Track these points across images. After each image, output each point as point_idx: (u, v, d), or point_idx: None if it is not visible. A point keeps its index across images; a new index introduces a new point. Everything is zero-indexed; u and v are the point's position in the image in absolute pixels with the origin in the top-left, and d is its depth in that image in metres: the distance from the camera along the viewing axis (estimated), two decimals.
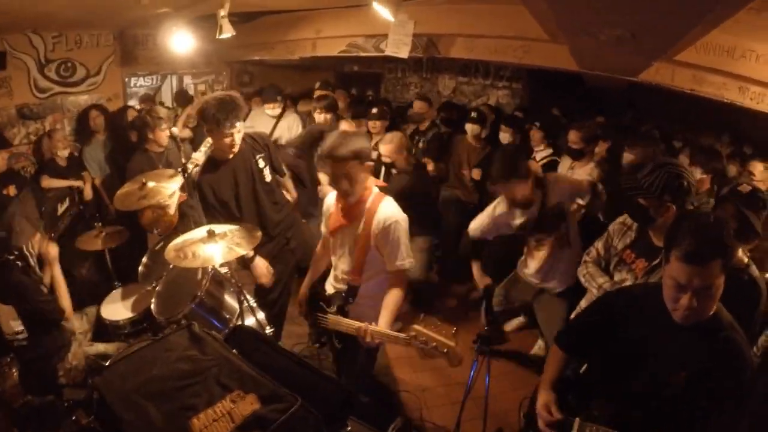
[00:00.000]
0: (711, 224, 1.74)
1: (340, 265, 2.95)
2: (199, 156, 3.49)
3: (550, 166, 4.71)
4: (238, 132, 3.30)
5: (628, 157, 3.89)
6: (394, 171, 4.35)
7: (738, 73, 3.66)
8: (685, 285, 1.67)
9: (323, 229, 3.09)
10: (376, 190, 2.81)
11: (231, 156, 3.40)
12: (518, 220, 3.47)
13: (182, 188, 3.75)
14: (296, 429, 1.51)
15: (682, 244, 1.66)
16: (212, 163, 3.41)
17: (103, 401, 1.64)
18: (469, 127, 5.16)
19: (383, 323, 2.64)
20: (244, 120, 3.47)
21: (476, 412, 3.10)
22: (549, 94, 6.65)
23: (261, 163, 3.56)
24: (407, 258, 2.74)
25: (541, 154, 4.84)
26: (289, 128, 5.74)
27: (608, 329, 2.01)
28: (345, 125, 5.10)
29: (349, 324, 2.74)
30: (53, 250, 3.30)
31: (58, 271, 3.27)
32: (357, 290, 2.85)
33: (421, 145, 5.51)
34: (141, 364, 1.77)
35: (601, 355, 2.07)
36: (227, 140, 3.27)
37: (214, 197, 3.39)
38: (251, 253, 3.35)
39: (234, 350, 1.84)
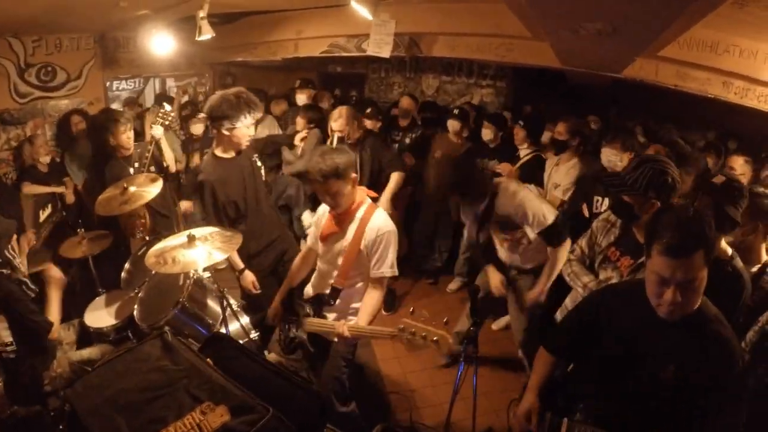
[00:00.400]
0: (691, 217, 1.73)
1: (325, 270, 3.01)
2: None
3: (537, 161, 4.69)
4: (247, 128, 3.33)
5: (607, 152, 3.90)
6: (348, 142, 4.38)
7: (722, 68, 3.69)
8: (668, 279, 1.66)
9: (310, 239, 3.17)
10: (368, 200, 2.90)
11: (237, 154, 3.42)
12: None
13: (179, 193, 3.71)
14: None
15: (664, 237, 1.65)
16: (219, 162, 3.38)
17: (74, 413, 1.60)
18: (451, 124, 5.14)
19: (364, 318, 2.75)
20: (255, 117, 3.46)
21: (466, 413, 3.07)
22: (533, 93, 6.65)
23: (258, 163, 3.60)
24: (392, 267, 2.81)
25: (525, 151, 4.81)
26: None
27: (596, 329, 1.99)
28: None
29: (324, 324, 2.85)
30: (56, 274, 3.22)
31: (56, 295, 3.16)
32: (339, 293, 2.92)
33: (400, 139, 5.55)
34: (113, 376, 1.73)
35: (590, 356, 2.05)
36: (236, 137, 3.30)
37: (226, 197, 3.35)
38: (240, 266, 3.41)
39: (208, 359, 1.81)
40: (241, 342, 3.30)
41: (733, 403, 1.74)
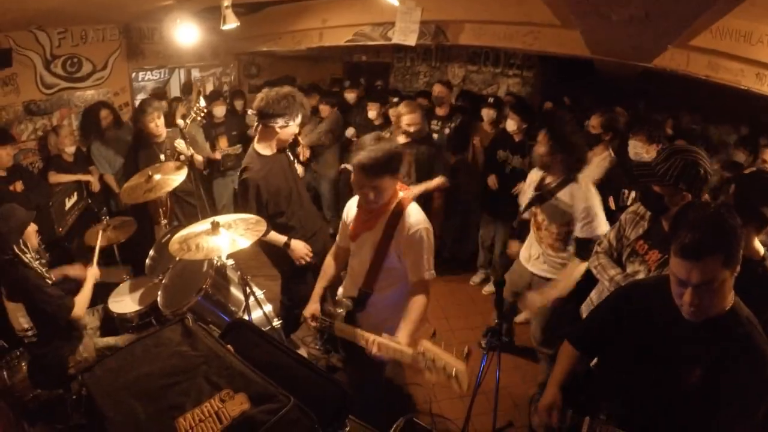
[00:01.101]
0: (710, 216, 1.62)
1: (357, 270, 2.79)
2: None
3: None
4: (296, 128, 3.37)
5: (633, 144, 3.81)
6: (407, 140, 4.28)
7: (755, 59, 3.54)
8: (684, 280, 1.60)
9: (339, 236, 2.98)
10: (401, 194, 2.63)
11: (278, 151, 3.43)
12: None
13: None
14: (289, 431, 1.44)
15: (680, 237, 1.59)
16: (261, 159, 3.37)
17: (91, 398, 1.59)
18: (486, 113, 5.04)
19: (404, 333, 2.46)
20: (305, 118, 3.50)
21: (487, 406, 3.04)
22: (561, 83, 6.51)
23: (291, 157, 3.61)
24: (430, 268, 2.58)
25: None
26: None
27: (622, 326, 1.93)
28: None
29: (354, 333, 2.60)
30: (88, 272, 3.35)
31: (88, 287, 3.27)
32: (368, 298, 2.71)
33: (438, 128, 5.38)
34: (131, 361, 1.71)
35: (615, 353, 1.99)
36: (285, 135, 3.33)
37: (269, 194, 3.35)
38: (283, 240, 3.39)
39: (229, 345, 1.78)
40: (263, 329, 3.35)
41: (757, 405, 1.64)
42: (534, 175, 3.52)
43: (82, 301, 3.14)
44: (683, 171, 2.27)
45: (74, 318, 3.08)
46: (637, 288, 2.09)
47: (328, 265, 3.02)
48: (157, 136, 4.47)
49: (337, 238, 2.99)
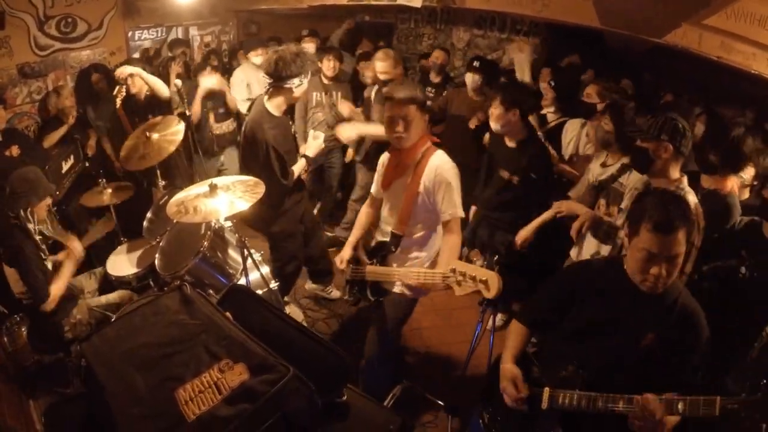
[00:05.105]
0: (675, 197, 1.97)
1: (389, 217, 2.94)
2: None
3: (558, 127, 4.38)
4: (307, 85, 3.45)
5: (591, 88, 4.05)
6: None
7: None
8: (656, 254, 1.81)
9: (374, 187, 3.07)
10: (430, 143, 2.79)
11: (283, 113, 3.51)
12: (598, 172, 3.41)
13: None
14: (287, 401, 1.42)
15: (653, 216, 1.81)
16: (273, 119, 3.43)
17: (90, 368, 1.57)
18: (469, 77, 4.54)
19: (443, 261, 2.64)
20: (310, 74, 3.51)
21: (481, 371, 3.09)
22: (568, 51, 6.33)
23: (290, 120, 3.76)
24: (460, 207, 2.72)
25: (552, 116, 4.49)
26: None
27: (575, 302, 2.10)
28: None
29: (388, 272, 2.81)
30: (77, 247, 3.34)
31: (69, 267, 3.23)
32: (400, 240, 2.83)
33: (433, 96, 5.17)
34: (130, 329, 1.69)
35: (566, 329, 2.12)
36: (298, 93, 3.40)
37: (278, 154, 3.40)
38: (303, 163, 3.61)
39: (227, 313, 1.76)
40: (260, 292, 3.34)
41: (697, 360, 1.90)
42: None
43: (56, 292, 3.09)
44: (665, 124, 2.55)
45: (44, 310, 3.04)
46: (588, 267, 2.35)
47: (364, 214, 3.15)
48: (134, 95, 4.36)
49: (372, 189, 3.10)
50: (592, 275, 2.13)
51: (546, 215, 3.39)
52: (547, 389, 2.02)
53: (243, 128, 3.59)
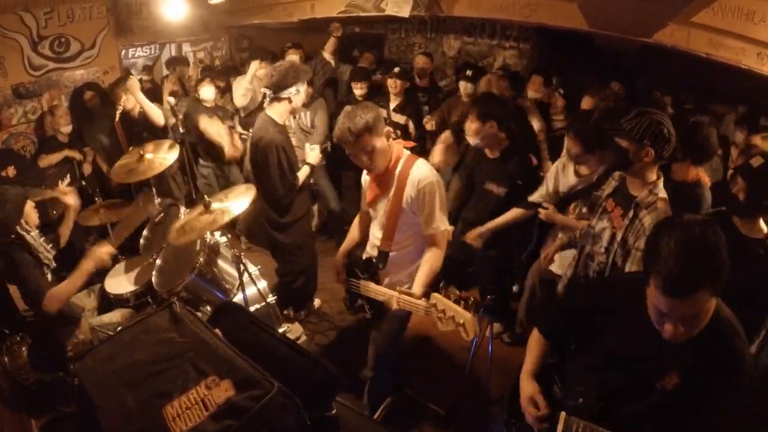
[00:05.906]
0: (698, 243, 1.43)
1: (375, 231, 2.94)
2: None
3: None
4: (304, 91, 3.62)
5: (587, 101, 3.92)
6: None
7: (757, 38, 3.50)
8: (667, 314, 1.48)
9: (363, 202, 3.06)
10: (406, 152, 2.75)
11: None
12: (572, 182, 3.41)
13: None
14: (273, 416, 1.43)
15: (662, 270, 1.41)
16: (279, 128, 3.57)
17: (82, 387, 1.59)
18: (463, 86, 4.84)
19: (419, 283, 2.64)
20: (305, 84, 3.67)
21: (478, 384, 3.08)
22: (559, 56, 6.38)
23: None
24: (443, 220, 2.69)
25: (561, 123, 4.57)
26: None
27: (593, 319, 1.86)
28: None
29: (377, 290, 2.78)
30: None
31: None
32: (387, 256, 2.83)
33: (427, 102, 5.34)
34: (121, 348, 1.71)
35: (585, 350, 1.95)
36: (296, 103, 3.55)
37: (288, 161, 3.55)
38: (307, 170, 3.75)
39: (217, 330, 1.78)
40: (258, 306, 3.41)
41: (733, 406, 1.60)
42: None
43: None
44: (649, 127, 2.39)
45: (43, 309, 3.02)
46: (610, 287, 2.06)
47: (354, 227, 3.17)
48: (129, 111, 4.50)
49: (362, 203, 3.09)
50: (613, 298, 1.85)
51: (504, 219, 3.45)
52: (563, 414, 1.77)
53: (249, 141, 3.75)
